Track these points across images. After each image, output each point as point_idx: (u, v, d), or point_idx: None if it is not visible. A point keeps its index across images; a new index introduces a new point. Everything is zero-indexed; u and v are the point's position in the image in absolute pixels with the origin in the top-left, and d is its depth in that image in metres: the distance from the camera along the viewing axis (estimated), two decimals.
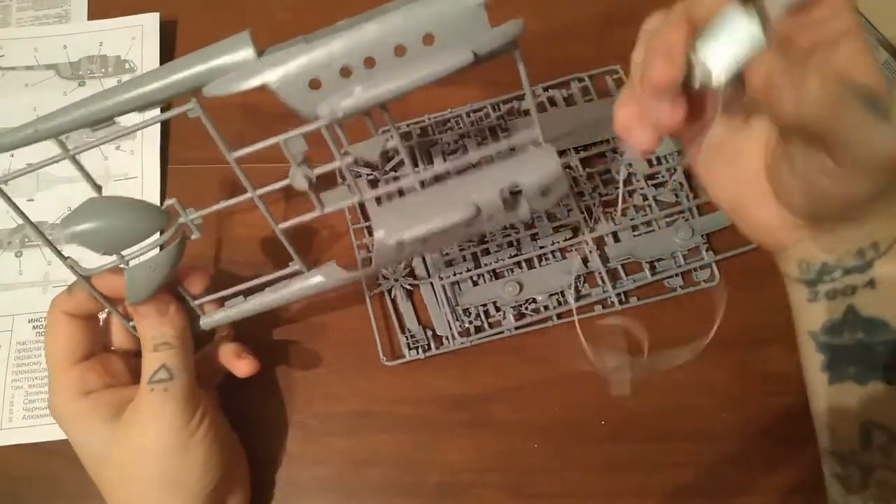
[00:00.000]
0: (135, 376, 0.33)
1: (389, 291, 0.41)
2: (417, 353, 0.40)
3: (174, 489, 0.32)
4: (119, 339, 0.36)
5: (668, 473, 0.38)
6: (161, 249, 0.31)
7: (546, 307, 0.41)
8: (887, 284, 0.29)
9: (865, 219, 0.27)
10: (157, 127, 0.46)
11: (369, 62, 0.26)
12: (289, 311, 0.41)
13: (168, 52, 0.49)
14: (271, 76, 0.27)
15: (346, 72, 0.26)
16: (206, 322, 0.35)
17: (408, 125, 0.45)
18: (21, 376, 0.40)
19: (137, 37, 0.48)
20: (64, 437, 0.38)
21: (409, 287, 0.41)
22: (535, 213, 0.42)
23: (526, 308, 0.41)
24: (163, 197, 0.45)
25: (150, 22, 0.49)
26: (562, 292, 0.41)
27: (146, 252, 0.31)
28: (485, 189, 0.31)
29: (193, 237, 0.31)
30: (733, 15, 0.22)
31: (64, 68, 0.48)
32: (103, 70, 0.48)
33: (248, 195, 0.30)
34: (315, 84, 0.27)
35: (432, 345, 0.40)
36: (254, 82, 0.27)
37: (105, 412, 0.33)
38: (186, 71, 0.27)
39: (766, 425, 0.39)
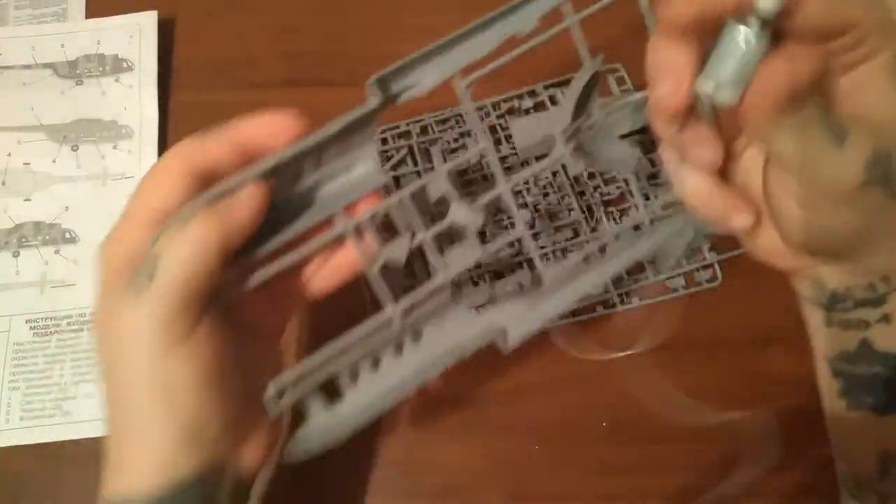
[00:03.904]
0: None
1: None
2: None
3: None
4: None
5: (670, 475, 0.37)
6: None
7: None
8: None
9: (872, 253, 0.26)
10: (155, 127, 0.46)
11: None
12: None
13: (166, 50, 0.48)
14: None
15: None
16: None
17: (407, 124, 0.45)
18: (18, 377, 0.40)
19: (135, 35, 0.48)
20: (61, 438, 0.39)
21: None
22: (536, 216, 0.42)
23: None
24: None
25: (147, 20, 0.48)
26: None
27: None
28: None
29: None
30: (730, 29, 0.22)
31: (61, 67, 0.48)
32: (101, 69, 0.47)
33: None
34: None
35: None
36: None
37: None
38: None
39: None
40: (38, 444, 0.39)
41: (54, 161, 0.45)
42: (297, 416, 0.30)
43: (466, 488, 0.38)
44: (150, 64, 0.47)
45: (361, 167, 0.30)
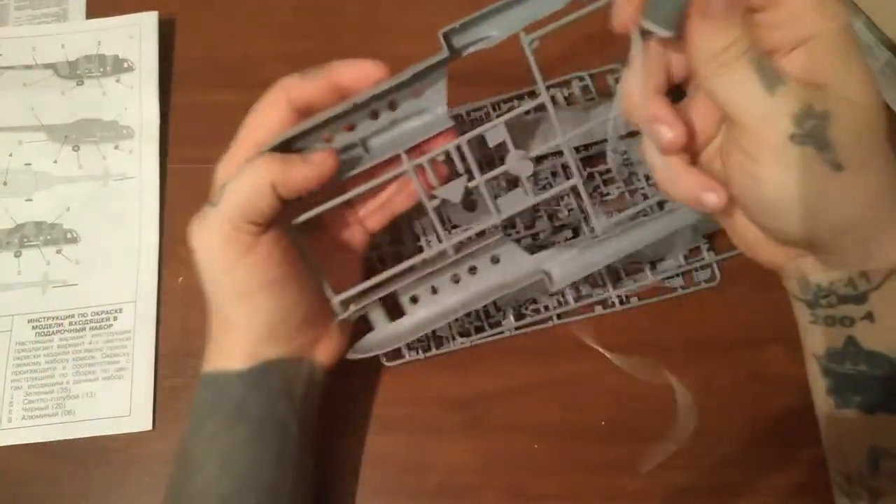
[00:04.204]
0: None
1: None
2: (417, 353, 0.40)
3: None
4: None
5: (670, 475, 0.38)
6: None
7: (546, 307, 0.41)
8: (886, 321, 0.27)
9: (844, 246, 0.27)
10: (156, 127, 0.46)
11: None
12: None
13: (167, 50, 0.48)
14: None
15: None
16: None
17: None
18: (21, 377, 0.40)
19: (136, 36, 0.48)
20: (63, 437, 0.39)
21: None
22: (537, 214, 0.42)
23: (526, 308, 0.41)
24: (162, 199, 0.44)
25: (148, 21, 0.48)
26: (562, 292, 0.41)
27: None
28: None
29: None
30: None
31: (62, 67, 0.48)
32: (102, 69, 0.47)
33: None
34: None
35: (432, 345, 0.40)
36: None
37: None
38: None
39: (767, 426, 0.39)
40: (40, 444, 0.39)
41: (55, 161, 0.45)
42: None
43: (466, 488, 0.38)
44: (151, 64, 0.47)
45: (430, 113, 0.34)
